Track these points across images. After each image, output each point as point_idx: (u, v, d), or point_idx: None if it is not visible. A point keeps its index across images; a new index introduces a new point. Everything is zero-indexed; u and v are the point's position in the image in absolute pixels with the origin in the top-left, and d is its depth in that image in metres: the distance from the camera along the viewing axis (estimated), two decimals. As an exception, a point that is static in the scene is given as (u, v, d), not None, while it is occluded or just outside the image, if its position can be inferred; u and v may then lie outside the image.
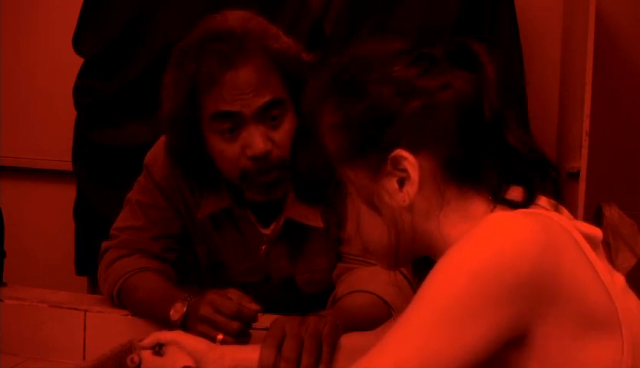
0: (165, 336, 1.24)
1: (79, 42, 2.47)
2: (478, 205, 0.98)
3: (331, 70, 1.04)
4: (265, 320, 1.31)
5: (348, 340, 1.25)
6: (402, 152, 0.97)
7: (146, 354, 1.22)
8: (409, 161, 0.97)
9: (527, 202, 0.97)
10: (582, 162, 2.31)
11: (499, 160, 0.99)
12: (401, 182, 0.98)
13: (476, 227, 0.91)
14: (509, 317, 0.87)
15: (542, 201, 0.98)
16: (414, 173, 0.97)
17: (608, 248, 2.40)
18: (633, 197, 2.57)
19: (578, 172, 2.33)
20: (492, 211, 0.97)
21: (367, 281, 1.46)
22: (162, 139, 1.63)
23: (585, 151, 2.28)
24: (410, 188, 0.97)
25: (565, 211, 0.99)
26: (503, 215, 0.93)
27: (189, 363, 1.18)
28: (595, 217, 2.40)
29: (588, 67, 2.28)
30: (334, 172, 1.03)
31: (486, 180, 0.99)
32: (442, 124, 0.97)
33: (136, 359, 1.22)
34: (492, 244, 0.88)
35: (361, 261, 1.51)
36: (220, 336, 1.29)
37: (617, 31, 2.57)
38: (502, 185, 0.98)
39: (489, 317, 0.86)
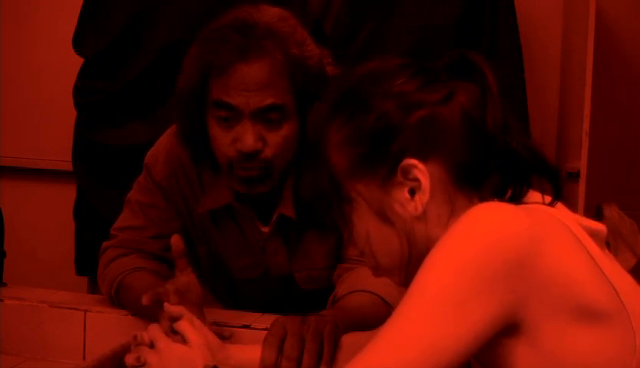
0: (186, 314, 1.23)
1: (79, 42, 2.47)
2: None
3: (334, 91, 1.07)
4: (266, 319, 1.31)
5: (349, 340, 1.25)
6: (411, 161, 0.98)
7: (160, 336, 1.20)
8: (419, 168, 0.98)
9: (516, 196, 0.98)
10: (582, 162, 2.30)
11: (503, 165, 0.99)
12: (412, 192, 0.99)
13: (461, 217, 0.92)
14: (495, 303, 0.88)
15: (538, 197, 0.99)
16: (424, 180, 0.98)
17: (608, 248, 2.40)
18: (633, 197, 2.56)
19: (578, 172, 2.33)
20: None
21: (367, 281, 1.46)
22: (162, 139, 1.64)
23: (585, 151, 2.28)
24: (422, 196, 0.98)
25: (562, 205, 1.00)
26: (486, 204, 0.94)
27: (211, 362, 1.17)
28: (595, 217, 2.40)
29: (588, 67, 2.28)
30: (338, 193, 1.04)
31: (490, 184, 1.00)
32: (447, 132, 0.98)
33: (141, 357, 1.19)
34: (474, 232, 0.90)
35: (361, 262, 1.51)
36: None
37: (617, 31, 2.57)
38: (506, 189, 0.99)
39: (476, 305, 0.87)
